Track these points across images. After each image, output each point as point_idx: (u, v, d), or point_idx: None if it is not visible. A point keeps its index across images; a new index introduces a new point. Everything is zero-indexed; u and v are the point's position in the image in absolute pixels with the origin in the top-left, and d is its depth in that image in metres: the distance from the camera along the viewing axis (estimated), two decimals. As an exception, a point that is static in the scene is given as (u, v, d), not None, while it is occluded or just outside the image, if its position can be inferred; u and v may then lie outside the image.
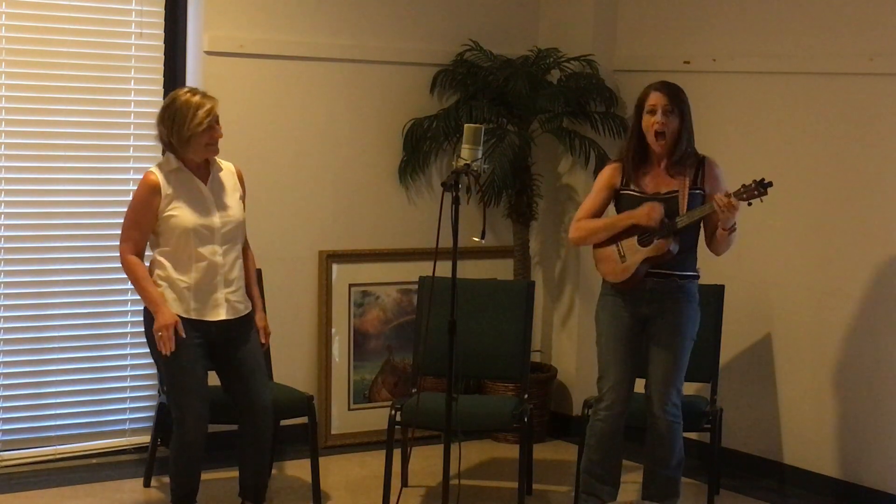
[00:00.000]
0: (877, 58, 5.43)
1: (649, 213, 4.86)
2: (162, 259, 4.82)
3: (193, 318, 4.79)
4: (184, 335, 4.74)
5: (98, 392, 5.89)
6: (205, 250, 4.79)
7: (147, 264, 4.86)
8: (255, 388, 4.90)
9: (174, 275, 4.80)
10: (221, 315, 4.83)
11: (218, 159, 4.93)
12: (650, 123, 4.88)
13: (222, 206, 4.85)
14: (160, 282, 4.81)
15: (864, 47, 5.49)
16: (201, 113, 4.72)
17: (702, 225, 4.94)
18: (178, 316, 4.76)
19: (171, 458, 4.89)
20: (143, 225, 4.80)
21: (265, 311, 5.13)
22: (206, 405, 4.83)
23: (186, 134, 4.73)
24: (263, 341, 5.02)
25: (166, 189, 4.78)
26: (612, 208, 5.07)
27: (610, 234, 4.96)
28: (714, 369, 5.58)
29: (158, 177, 4.80)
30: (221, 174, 4.92)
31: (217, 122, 4.79)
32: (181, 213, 4.77)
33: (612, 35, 6.55)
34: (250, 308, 4.96)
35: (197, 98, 4.77)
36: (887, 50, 5.41)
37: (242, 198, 4.98)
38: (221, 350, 4.89)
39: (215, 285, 4.82)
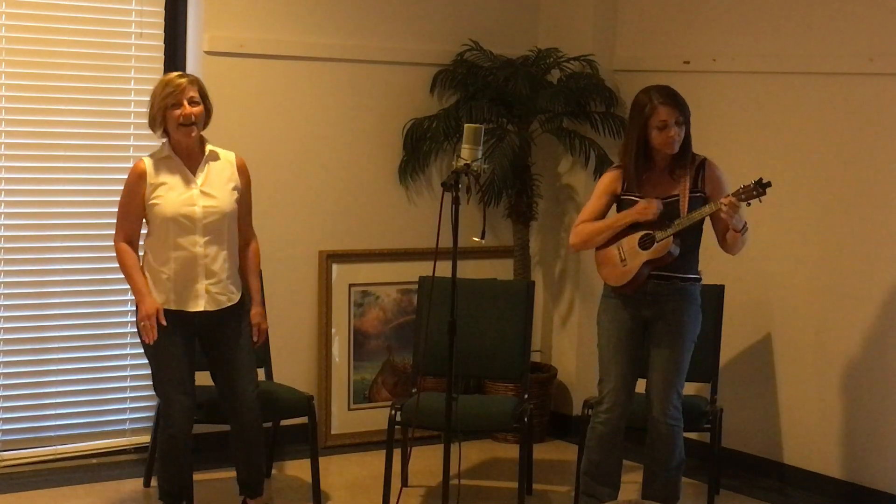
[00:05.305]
0: (877, 58, 5.43)
1: (646, 209, 4.85)
2: (147, 248, 4.81)
3: (173, 308, 4.76)
4: (164, 322, 4.70)
5: (98, 392, 5.89)
6: (184, 240, 4.74)
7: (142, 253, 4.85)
8: (239, 383, 4.87)
9: (155, 265, 4.77)
10: (200, 306, 4.77)
11: (219, 149, 4.88)
12: (667, 139, 4.81)
13: (208, 197, 4.78)
14: (146, 271, 4.79)
15: (864, 47, 5.49)
16: (168, 88, 4.71)
17: (713, 228, 4.93)
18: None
19: (158, 453, 4.89)
20: (131, 212, 4.79)
21: (264, 307, 5.07)
22: (190, 398, 4.81)
23: (155, 110, 4.73)
24: (255, 339, 4.96)
25: (152, 177, 4.75)
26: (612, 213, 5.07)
27: (610, 235, 4.95)
28: (714, 369, 5.58)
29: (146, 164, 4.77)
30: (216, 163, 4.85)
31: (190, 100, 4.71)
32: (163, 202, 4.73)
33: (612, 35, 6.54)
34: (236, 301, 4.87)
35: (171, 76, 4.77)
36: (887, 50, 5.41)
37: (239, 188, 4.88)
38: (207, 342, 4.87)
39: (195, 276, 4.76)
